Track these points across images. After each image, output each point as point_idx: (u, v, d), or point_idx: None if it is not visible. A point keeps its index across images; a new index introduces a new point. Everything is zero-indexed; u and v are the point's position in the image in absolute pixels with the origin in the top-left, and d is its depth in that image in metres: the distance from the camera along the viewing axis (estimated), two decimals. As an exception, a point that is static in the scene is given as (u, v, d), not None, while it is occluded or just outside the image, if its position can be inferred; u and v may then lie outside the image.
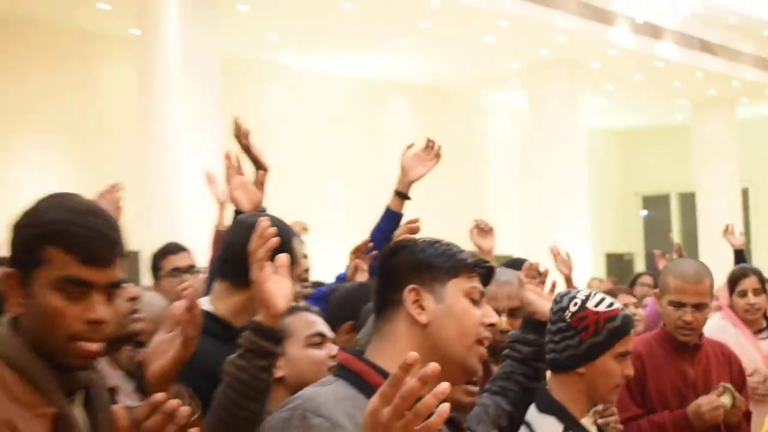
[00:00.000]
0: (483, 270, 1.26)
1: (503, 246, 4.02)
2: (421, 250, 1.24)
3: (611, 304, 1.70)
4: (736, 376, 2.51)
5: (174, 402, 1.09)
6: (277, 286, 1.45)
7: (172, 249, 3.30)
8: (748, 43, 11.85)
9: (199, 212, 5.92)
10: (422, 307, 1.17)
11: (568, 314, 1.68)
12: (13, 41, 7.91)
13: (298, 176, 9.55)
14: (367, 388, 1.16)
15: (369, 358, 1.21)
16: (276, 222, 1.59)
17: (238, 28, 8.43)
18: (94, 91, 8.52)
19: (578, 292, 1.78)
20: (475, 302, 1.22)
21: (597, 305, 1.68)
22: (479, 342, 1.21)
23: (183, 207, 6.64)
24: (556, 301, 1.74)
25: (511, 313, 2.02)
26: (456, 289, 1.20)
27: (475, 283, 1.24)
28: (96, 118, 8.41)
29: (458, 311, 1.19)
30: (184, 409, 1.12)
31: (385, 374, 1.11)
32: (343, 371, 1.23)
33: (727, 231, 4.53)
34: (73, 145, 8.33)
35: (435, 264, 1.20)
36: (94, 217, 1.08)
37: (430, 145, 2.41)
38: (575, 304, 1.69)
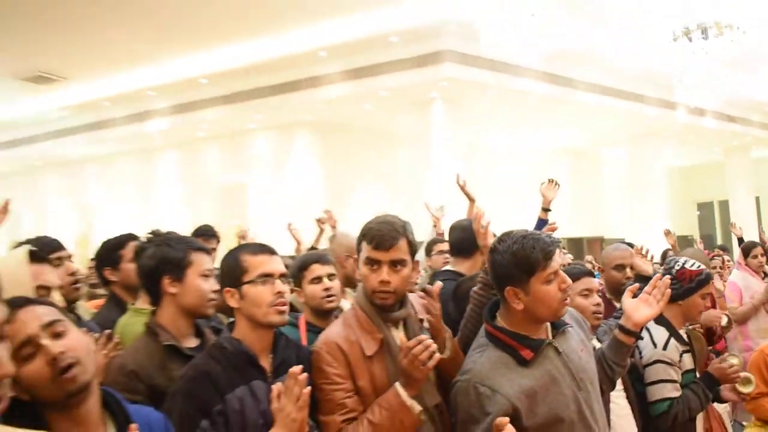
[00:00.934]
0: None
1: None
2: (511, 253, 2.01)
3: (698, 266, 2.87)
4: None
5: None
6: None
7: None
8: None
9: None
10: (519, 299, 1.99)
11: (674, 271, 2.84)
12: (348, 141, 12.14)
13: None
14: (508, 349, 2.01)
15: (504, 326, 2.04)
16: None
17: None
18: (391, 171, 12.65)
19: (680, 258, 2.97)
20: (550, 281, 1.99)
21: (691, 266, 2.85)
22: (563, 302, 2.00)
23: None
24: (668, 264, 2.95)
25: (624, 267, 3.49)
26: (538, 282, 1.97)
27: (550, 269, 1.97)
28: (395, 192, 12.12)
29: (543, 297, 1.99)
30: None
31: (514, 336, 2.02)
32: (491, 338, 2.04)
33: (733, 226, 7.24)
34: (390, 195, 12.17)
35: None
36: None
37: (552, 181, 3.92)
38: (678, 265, 2.87)
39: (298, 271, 2.78)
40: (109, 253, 3.04)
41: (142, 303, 2.59)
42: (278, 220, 10.18)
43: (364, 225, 2.24)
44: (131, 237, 3.04)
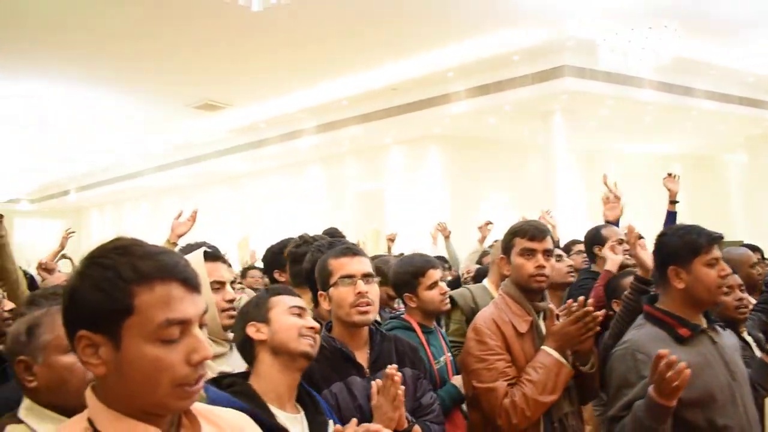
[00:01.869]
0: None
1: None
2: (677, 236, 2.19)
3: None
4: None
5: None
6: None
7: None
8: None
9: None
10: (680, 278, 2.15)
11: None
12: (474, 153, 12.68)
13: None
14: (666, 326, 2.15)
15: (662, 307, 2.20)
16: None
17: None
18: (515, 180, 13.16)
19: None
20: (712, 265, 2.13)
21: None
22: (721, 288, 2.17)
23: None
24: None
25: None
26: (700, 264, 2.14)
27: (712, 254, 2.14)
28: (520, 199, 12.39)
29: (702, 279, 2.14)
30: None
31: (673, 315, 2.16)
32: (649, 317, 2.21)
33: None
34: (514, 205, 12.26)
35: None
36: None
37: (672, 174, 3.98)
38: None
39: (413, 277, 2.76)
40: (275, 257, 3.25)
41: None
42: (412, 224, 11.07)
43: (512, 226, 2.48)
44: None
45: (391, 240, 6.15)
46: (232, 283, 2.48)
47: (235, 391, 1.64)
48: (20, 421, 1.51)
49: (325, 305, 2.12)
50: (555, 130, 10.80)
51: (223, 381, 1.70)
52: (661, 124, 12.27)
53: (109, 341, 1.00)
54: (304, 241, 2.88)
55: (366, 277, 2.08)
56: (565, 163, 10.61)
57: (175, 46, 9.05)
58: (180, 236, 3.51)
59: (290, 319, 1.80)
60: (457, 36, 9.27)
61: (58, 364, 1.53)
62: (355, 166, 13.75)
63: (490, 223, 6.08)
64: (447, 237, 6.27)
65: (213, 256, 2.51)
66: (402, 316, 2.90)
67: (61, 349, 1.53)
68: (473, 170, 12.66)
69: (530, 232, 2.37)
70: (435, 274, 2.76)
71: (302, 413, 1.73)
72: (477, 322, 2.36)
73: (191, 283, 1.05)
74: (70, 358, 1.52)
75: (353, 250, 2.16)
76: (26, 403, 1.55)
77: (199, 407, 1.11)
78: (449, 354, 2.85)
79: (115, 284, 0.99)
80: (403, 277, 2.79)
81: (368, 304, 2.05)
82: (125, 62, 9.53)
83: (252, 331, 1.77)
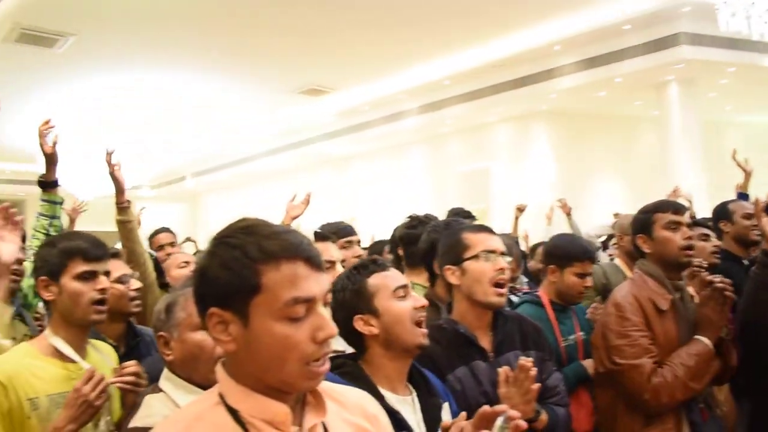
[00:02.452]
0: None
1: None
2: None
3: None
4: None
5: None
6: None
7: None
8: None
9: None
10: None
11: None
12: (582, 128, 12.33)
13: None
14: None
15: None
16: None
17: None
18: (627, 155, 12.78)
19: None
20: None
21: None
22: None
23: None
24: None
25: None
26: None
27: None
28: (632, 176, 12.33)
29: None
30: None
31: None
32: None
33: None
34: (625, 182, 12.44)
35: None
36: None
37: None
38: None
39: (567, 259, 2.79)
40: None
41: (411, 277, 2.66)
42: (520, 202, 10.80)
43: (647, 205, 2.49)
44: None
45: (521, 210, 6.05)
46: (343, 262, 2.54)
47: (344, 372, 1.65)
48: (160, 390, 1.62)
49: (453, 279, 2.06)
50: (670, 101, 10.29)
51: (333, 362, 1.67)
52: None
53: (238, 319, 1.02)
54: (418, 221, 2.86)
55: (503, 255, 2.05)
56: (682, 137, 10.08)
57: (282, 35, 9.29)
58: (294, 219, 3.61)
59: (400, 306, 1.70)
60: (564, 7, 8.98)
61: (190, 340, 1.63)
62: (458, 145, 13.62)
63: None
64: (569, 213, 6.15)
65: (323, 236, 2.61)
66: (536, 292, 2.91)
67: (193, 326, 1.63)
68: (581, 146, 12.28)
69: (673, 205, 2.41)
70: (588, 267, 2.79)
71: (414, 394, 1.70)
72: (617, 298, 2.33)
73: (315, 262, 1.06)
74: (200, 335, 1.61)
75: (490, 228, 2.13)
76: (166, 373, 1.67)
77: (322, 385, 1.12)
78: (582, 333, 2.81)
79: (242, 263, 1.02)
80: (558, 251, 2.83)
81: (505, 282, 2.02)
82: (235, 52, 9.89)
83: (360, 325, 1.70)
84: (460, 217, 4.23)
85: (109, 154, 3.18)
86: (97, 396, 1.75)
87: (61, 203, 2.98)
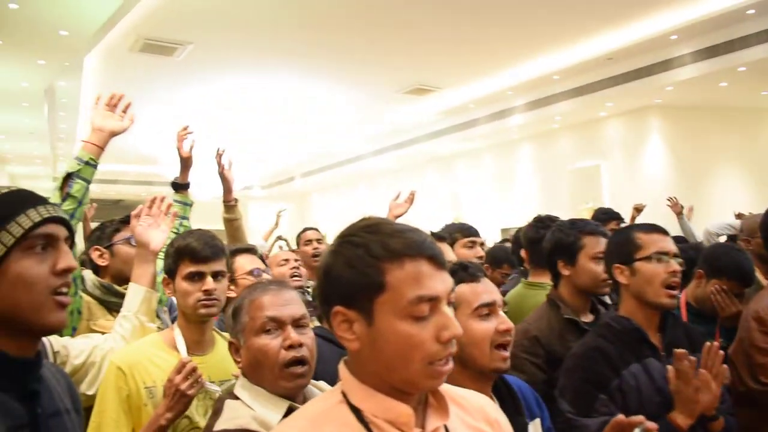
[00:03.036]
0: None
1: None
2: None
3: None
4: None
5: None
6: None
7: None
8: None
9: None
10: None
11: None
12: (700, 122, 11.78)
13: None
14: None
15: None
16: None
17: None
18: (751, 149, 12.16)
19: None
20: None
21: None
22: None
23: None
24: None
25: None
26: None
27: None
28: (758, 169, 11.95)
29: None
30: None
31: None
32: None
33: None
34: (746, 179, 11.95)
35: None
36: None
37: None
38: None
39: (711, 270, 2.70)
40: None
41: (535, 277, 2.86)
42: (633, 201, 10.36)
43: None
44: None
45: (638, 210, 5.89)
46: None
47: None
48: (237, 398, 1.59)
49: (622, 278, 2.03)
50: (802, 90, 9.55)
51: None
52: None
53: (362, 317, 1.03)
54: (542, 222, 2.85)
55: (676, 257, 2.02)
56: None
57: (387, 35, 9.34)
58: (397, 217, 3.62)
59: (479, 326, 1.58)
60: (682, -5, 8.51)
61: (254, 345, 1.59)
62: (567, 142, 13.22)
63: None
64: (679, 213, 5.79)
65: (438, 236, 2.66)
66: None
67: (256, 330, 1.59)
68: (698, 142, 11.64)
69: None
70: (735, 289, 2.67)
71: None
72: (759, 311, 2.17)
73: (439, 261, 1.06)
74: (262, 340, 1.57)
75: (662, 228, 2.09)
76: (241, 380, 1.64)
77: (443, 387, 1.11)
78: (722, 340, 2.62)
79: (366, 261, 1.03)
80: (714, 262, 2.71)
81: (677, 285, 1.98)
82: (341, 54, 10.05)
83: None
84: (609, 217, 4.29)
85: (219, 154, 3.29)
86: (189, 386, 1.78)
87: (191, 205, 3.10)
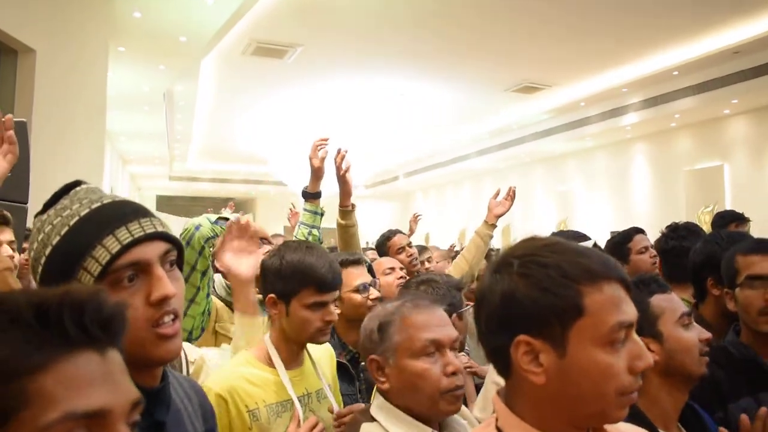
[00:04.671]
0: None
1: None
2: None
3: None
4: None
5: None
6: None
7: None
8: None
9: None
10: None
11: None
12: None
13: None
14: None
15: None
16: None
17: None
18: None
19: None
20: None
21: None
22: None
23: None
24: None
25: None
26: None
27: None
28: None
29: None
30: None
31: None
32: None
33: None
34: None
35: None
36: None
37: None
38: None
39: None
40: (618, 247, 3.15)
41: (677, 293, 2.66)
42: (759, 204, 9.69)
43: None
44: (637, 230, 3.21)
45: None
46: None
47: None
48: (373, 419, 1.50)
49: (730, 306, 1.92)
50: None
51: None
52: None
53: (552, 347, 0.94)
54: (685, 231, 2.65)
55: None
56: None
57: (495, 32, 9.13)
58: (498, 216, 3.50)
59: (688, 335, 1.57)
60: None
61: (411, 368, 1.48)
62: (686, 141, 12.51)
63: None
64: None
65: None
66: None
67: (414, 352, 1.48)
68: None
69: None
70: None
71: None
72: None
73: (629, 285, 0.98)
74: (423, 364, 1.47)
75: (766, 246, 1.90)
76: (379, 401, 1.53)
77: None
78: None
79: (561, 283, 0.93)
80: None
81: None
82: (448, 53, 9.94)
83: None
84: (736, 220, 4.06)
85: (341, 156, 3.07)
86: None
87: (322, 214, 2.98)
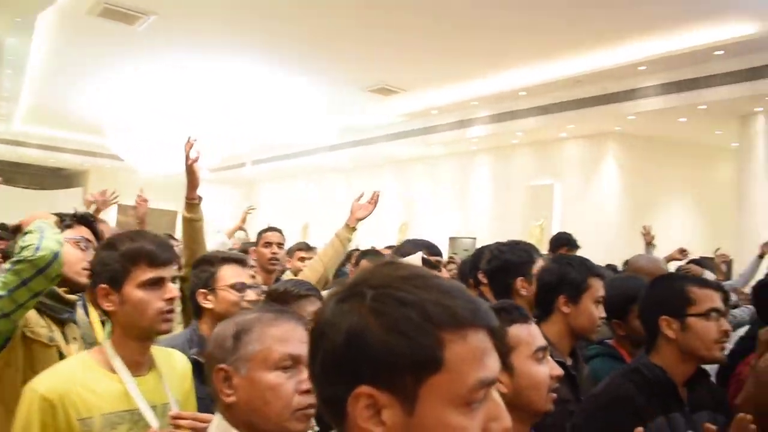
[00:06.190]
0: None
1: None
2: None
3: None
4: None
5: None
6: None
7: None
8: None
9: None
10: None
11: None
12: (656, 153, 11.95)
13: None
14: None
15: None
16: None
17: None
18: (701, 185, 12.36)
19: None
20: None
21: None
22: None
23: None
24: None
25: None
26: None
27: None
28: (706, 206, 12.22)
29: None
30: None
31: None
32: None
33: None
34: (695, 213, 12.25)
35: None
36: None
37: None
38: None
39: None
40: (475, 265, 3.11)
41: None
42: (581, 224, 10.50)
43: None
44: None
45: (682, 253, 5.60)
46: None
47: None
48: None
49: (669, 332, 1.95)
50: (755, 134, 9.78)
51: None
52: None
53: (399, 402, 0.77)
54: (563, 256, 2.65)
55: (724, 316, 2.01)
56: (765, 172, 9.57)
57: (358, 29, 9.17)
58: (360, 220, 3.43)
59: (540, 370, 1.56)
60: (656, 27, 8.60)
61: (264, 381, 1.36)
62: (525, 159, 13.29)
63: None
64: (649, 243, 5.72)
65: (431, 264, 2.45)
66: (608, 341, 2.62)
67: (269, 364, 1.37)
68: (652, 172, 11.85)
69: None
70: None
71: None
72: None
73: (497, 333, 0.82)
74: (276, 377, 1.36)
75: (716, 284, 2.05)
76: (218, 420, 1.40)
77: None
78: None
79: (422, 328, 0.76)
80: (614, 300, 2.45)
81: (726, 342, 1.97)
82: (308, 44, 9.82)
83: None
84: (568, 245, 4.42)
85: (189, 144, 2.97)
86: None
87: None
